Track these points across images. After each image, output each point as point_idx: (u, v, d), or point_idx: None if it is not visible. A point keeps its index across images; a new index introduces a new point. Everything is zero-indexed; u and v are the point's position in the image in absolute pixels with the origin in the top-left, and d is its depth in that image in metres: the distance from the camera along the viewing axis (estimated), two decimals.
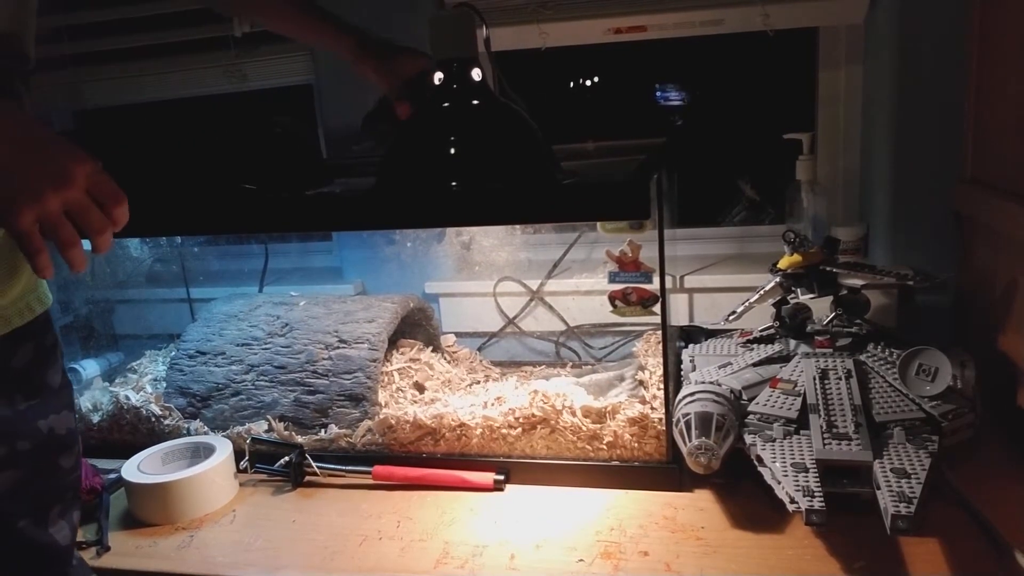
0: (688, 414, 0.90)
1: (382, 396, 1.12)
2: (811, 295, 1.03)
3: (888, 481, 0.78)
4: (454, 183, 0.84)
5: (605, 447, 0.99)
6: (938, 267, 1.19)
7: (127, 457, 1.05)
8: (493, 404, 1.06)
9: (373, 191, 0.90)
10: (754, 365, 1.00)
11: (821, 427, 0.87)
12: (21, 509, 0.72)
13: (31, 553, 0.73)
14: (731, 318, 1.09)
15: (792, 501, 0.78)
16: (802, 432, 0.89)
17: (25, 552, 0.73)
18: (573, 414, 1.00)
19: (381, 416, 1.07)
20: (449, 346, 1.34)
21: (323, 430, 1.09)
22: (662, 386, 0.98)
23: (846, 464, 0.84)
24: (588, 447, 1.00)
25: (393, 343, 1.23)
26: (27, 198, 0.59)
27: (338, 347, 1.13)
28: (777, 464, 0.83)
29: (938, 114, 1.18)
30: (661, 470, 0.97)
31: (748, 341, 1.07)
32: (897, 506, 0.74)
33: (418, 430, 1.05)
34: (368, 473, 1.03)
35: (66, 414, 0.76)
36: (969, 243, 1.15)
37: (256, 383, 1.14)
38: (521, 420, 1.02)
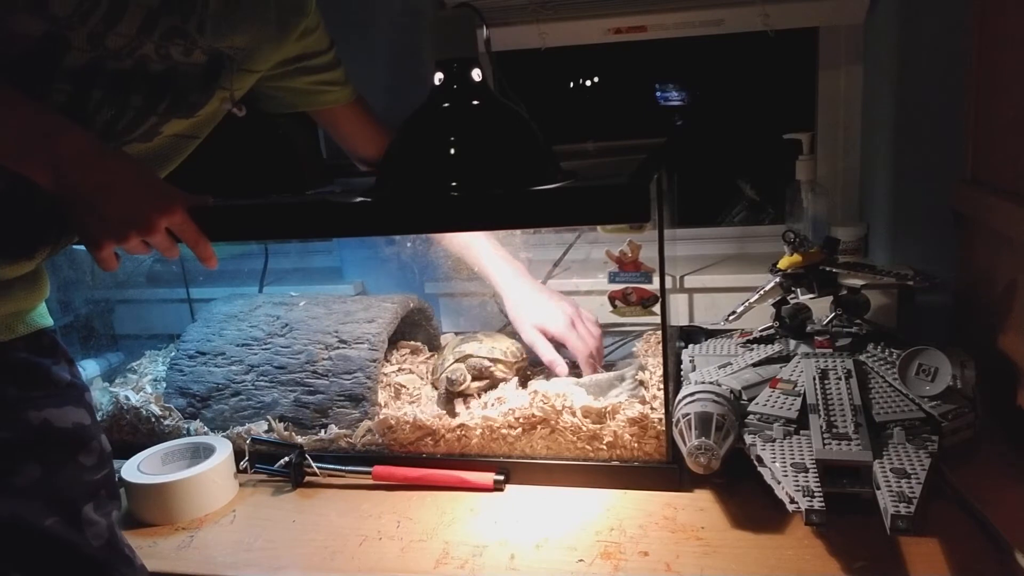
0: (688, 414, 0.90)
1: (382, 396, 1.12)
2: (811, 295, 1.03)
3: (888, 481, 0.78)
4: (454, 183, 0.84)
5: (605, 447, 0.99)
6: (938, 267, 1.19)
7: (127, 457, 1.05)
8: (493, 404, 1.06)
9: (373, 193, 0.90)
10: (754, 365, 1.00)
11: (821, 427, 0.87)
12: (45, 506, 0.72)
13: (62, 555, 0.73)
14: (731, 318, 1.09)
15: (792, 501, 0.78)
16: (802, 432, 0.89)
17: (55, 553, 0.72)
18: (573, 414, 1.00)
19: (381, 416, 1.07)
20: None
21: (323, 430, 1.09)
22: (662, 386, 0.98)
23: (846, 464, 0.84)
24: (588, 447, 1.00)
25: (393, 343, 1.23)
26: (112, 235, 0.72)
27: (338, 347, 1.13)
28: (777, 464, 0.83)
29: (938, 114, 1.18)
30: (661, 470, 0.97)
31: (748, 341, 1.07)
32: (897, 506, 0.74)
33: (418, 430, 1.05)
34: (368, 473, 1.03)
35: (70, 410, 0.77)
36: (969, 243, 1.15)
37: (256, 383, 1.14)
38: (521, 420, 1.02)
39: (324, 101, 1.05)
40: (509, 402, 1.05)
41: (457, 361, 1.11)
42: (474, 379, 1.10)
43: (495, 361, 1.11)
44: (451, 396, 1.09)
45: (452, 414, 1.07)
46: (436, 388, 1.13)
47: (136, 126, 0.80)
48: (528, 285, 1.19)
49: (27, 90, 0.69)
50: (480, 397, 1.09)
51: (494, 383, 1.12)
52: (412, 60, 1.36)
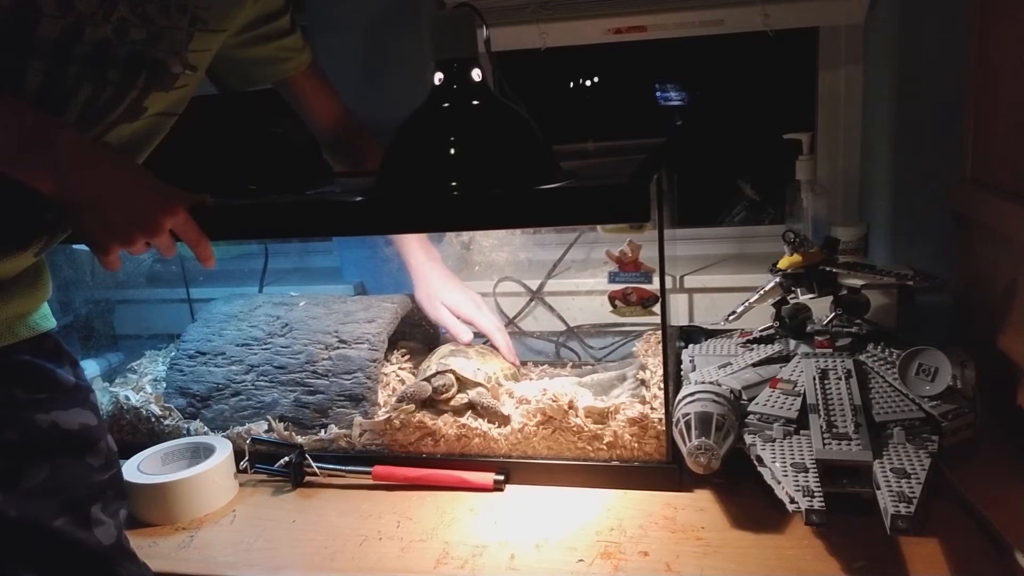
0: (688, 414, 0.90)
1: (382, 396, 1.12)
2: (811, 295, 1.03)
3: (888, 481, 0.78)
4: (454, 183, 0.84)
5: (605, 447, 0.99)
6: (938, 267, 1.19)
7: (127, 457, 1.05)
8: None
9: (373, 192, 0.90)
10: (754, 365, 1.00)
11: (821, 427, 0.87)
12: (54, 507, 0.72)
13: (71, 554, 0.73)
14: (731, 318, 1.09)
15: (792, 501, 0.78)
16: (802, 432, 0.89)
17: (65, 553, 0.73)
18: (577, 415, 1.00)
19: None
20: None
21: (323, 430, 1.09)
22: (662, 386, 0.98)
23: (846, 464, 0.84)
24: (588, 447, 1.00)
25: (393, 343, 1.23)
26: (118, 238, 0.72)
27: (338, 347, 1.13)
28: (777, 464, 0.83)
29: (938, 114, 1.18)
30: (661, 470, 0.97)
31: (748, 341, 1.07)
32: (897, 506, 0.74)
33: (418, 430, 1.05)
34: (368, 473, 1.03)
35: (77, 411, 0.77)
36: (969, 243, 1.15)
37: (256, 383, 1.14)
38: (531, 413, 1.01)
39: (286, 69, 1.05)
40: (517, 393, 1.04)
41: (439, 373, 1.10)
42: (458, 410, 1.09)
43: (477, 384, 1.10)
44: (434, 402, 1.09)
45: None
46: (414, 394, 1.10)
47: (117, 102, 0.78)
48: (439, 271, 1.22)
49: (1, 68, 0.68)
50: (460, 413, 1.08)
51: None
52: (410, 59, 1.36)
